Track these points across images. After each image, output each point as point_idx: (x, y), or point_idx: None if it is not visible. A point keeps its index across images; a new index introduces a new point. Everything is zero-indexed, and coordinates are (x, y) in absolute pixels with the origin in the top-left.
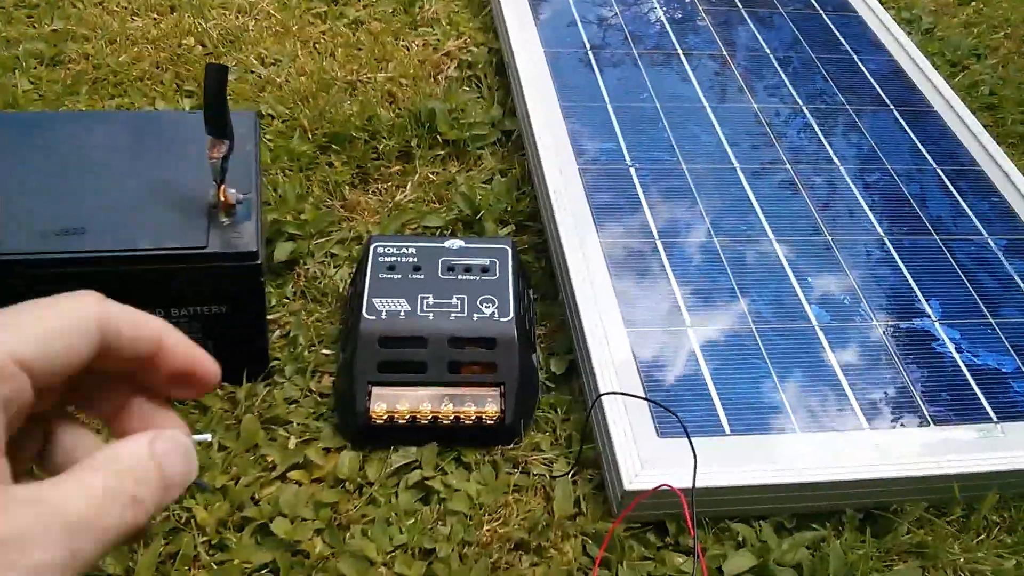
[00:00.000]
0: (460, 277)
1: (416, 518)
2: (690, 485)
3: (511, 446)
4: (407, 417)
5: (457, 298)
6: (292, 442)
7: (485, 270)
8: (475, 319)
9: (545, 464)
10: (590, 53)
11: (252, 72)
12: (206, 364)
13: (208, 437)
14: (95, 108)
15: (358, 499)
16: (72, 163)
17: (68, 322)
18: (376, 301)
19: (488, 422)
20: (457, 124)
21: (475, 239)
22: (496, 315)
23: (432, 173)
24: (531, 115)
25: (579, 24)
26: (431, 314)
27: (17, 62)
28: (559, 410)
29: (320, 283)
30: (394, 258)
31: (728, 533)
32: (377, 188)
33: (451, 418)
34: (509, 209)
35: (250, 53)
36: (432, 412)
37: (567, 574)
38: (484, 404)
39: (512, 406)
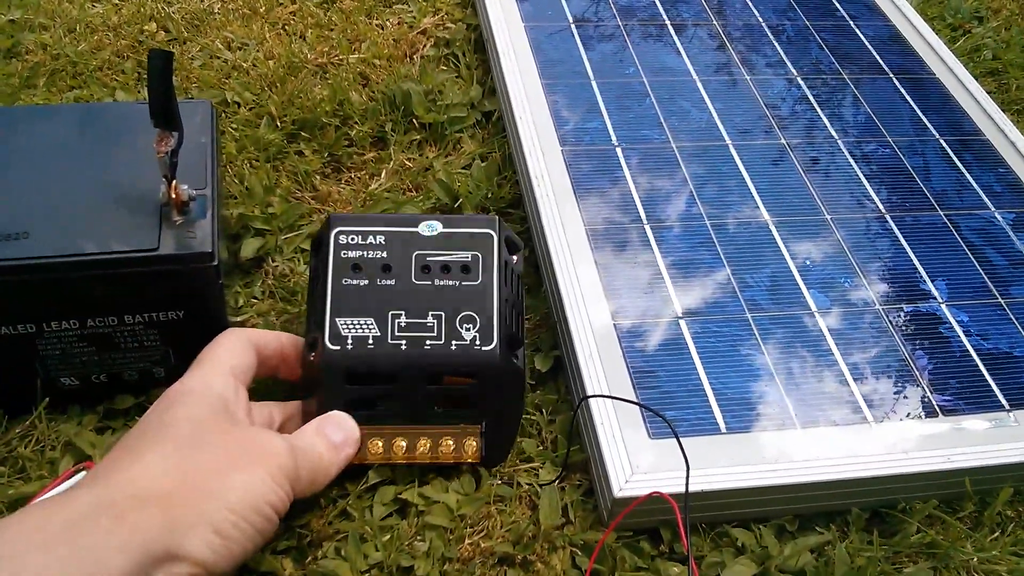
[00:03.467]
0: (437, 282)
1: (392, 533)
2: (683, 490)
3: None
4: (381, 459)
5: (433, 316)
6: None
7: (466, 269)
8: (454, 347)
9: (530, 472)
10: (573, 27)
11: (218, 57)
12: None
13: None
14: (53, 101)
15: (331, 512)
16: (12, 163)
17: (239, 341)
18: (340, 324)
19: (468, 461)
20: (434, 106)
21: (456, 220)
22: (478, 342)
23: (408, 159)
24: (511, 94)
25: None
26: (404, 342)
27: None
28: (544, 411)
29: (290, 281)
30: (359, 252)
31: (726, 539)
32: (350, 177)
33: (428, 458)
34: (490, 196)
35: (216, 37)
36: (407, 455)
37: None
38: (464, 443)
39: (494, 442)
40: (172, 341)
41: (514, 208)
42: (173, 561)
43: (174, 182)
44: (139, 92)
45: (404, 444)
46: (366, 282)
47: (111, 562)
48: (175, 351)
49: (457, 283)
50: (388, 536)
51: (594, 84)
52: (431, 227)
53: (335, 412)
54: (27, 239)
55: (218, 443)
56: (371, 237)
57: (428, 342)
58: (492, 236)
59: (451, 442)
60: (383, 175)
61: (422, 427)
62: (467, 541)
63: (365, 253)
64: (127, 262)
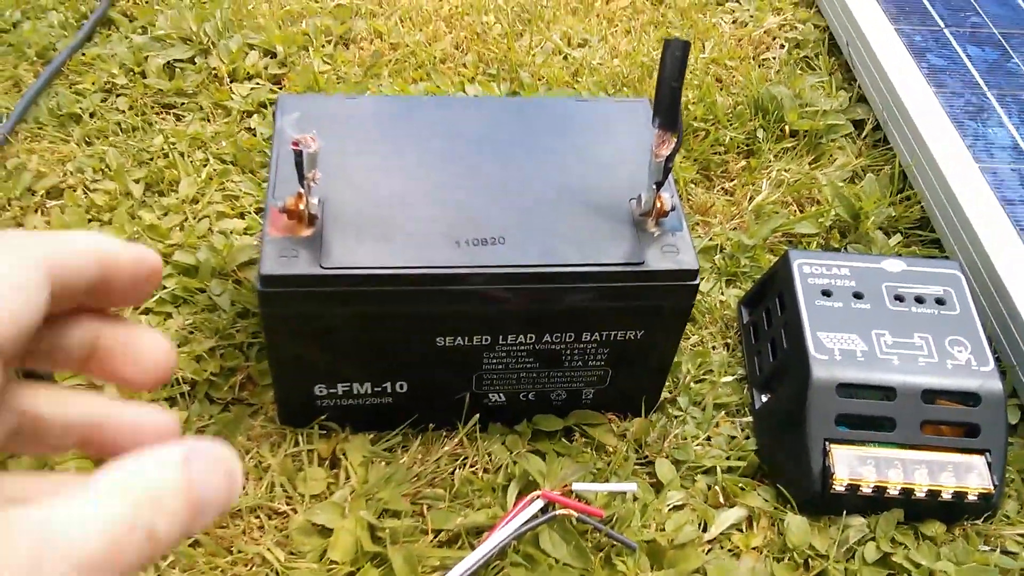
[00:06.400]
0: (914, 309)
1: None
2: None
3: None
4: (872, 486)
5: (920, 337)
6: (718, 495)
7: (941, 302)
8: (949, 367)
9: (1020, 540)
10: (947, 32)
11: (560, 54)
12: (145, 253)
13: (634, 487)
14: (406, 92)
15: (806, 575)
16: (466, 156)
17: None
18: (823, 337)
19: (970, 499)
20: (807, 113)
21: (915, 260)
22: (974, 363)
23: (784, 170)
24: (906, 104)
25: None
26: (894, 357)
27: (308, 39)
28: (1013, 467)
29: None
30: (826, 280)
31: None
32: (723, 187)
33: (924, 491)
34: (894, 215)
35: (554, 31)
36: (904, 483)
37: None
38: (967, 476)
39: (1000, 479)
40: (617, 362)
41: (921, 230)
42: None
43: (658, 194)
44: (493, 89)
45: (901, 474)
46: (840, 304)
47: None
48: (615, 373)
49: (936, 312)
50: None
51: (988, 93)
52: (894, 265)
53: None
54: (503, 245)
55: None
56: (834, 267)
57: (921, 360)
58: (959, 276)
59: (953, 475)
60: (764, 186)
61: (918, 453)
62: None
63: (832, 281)
64: (612, 276)
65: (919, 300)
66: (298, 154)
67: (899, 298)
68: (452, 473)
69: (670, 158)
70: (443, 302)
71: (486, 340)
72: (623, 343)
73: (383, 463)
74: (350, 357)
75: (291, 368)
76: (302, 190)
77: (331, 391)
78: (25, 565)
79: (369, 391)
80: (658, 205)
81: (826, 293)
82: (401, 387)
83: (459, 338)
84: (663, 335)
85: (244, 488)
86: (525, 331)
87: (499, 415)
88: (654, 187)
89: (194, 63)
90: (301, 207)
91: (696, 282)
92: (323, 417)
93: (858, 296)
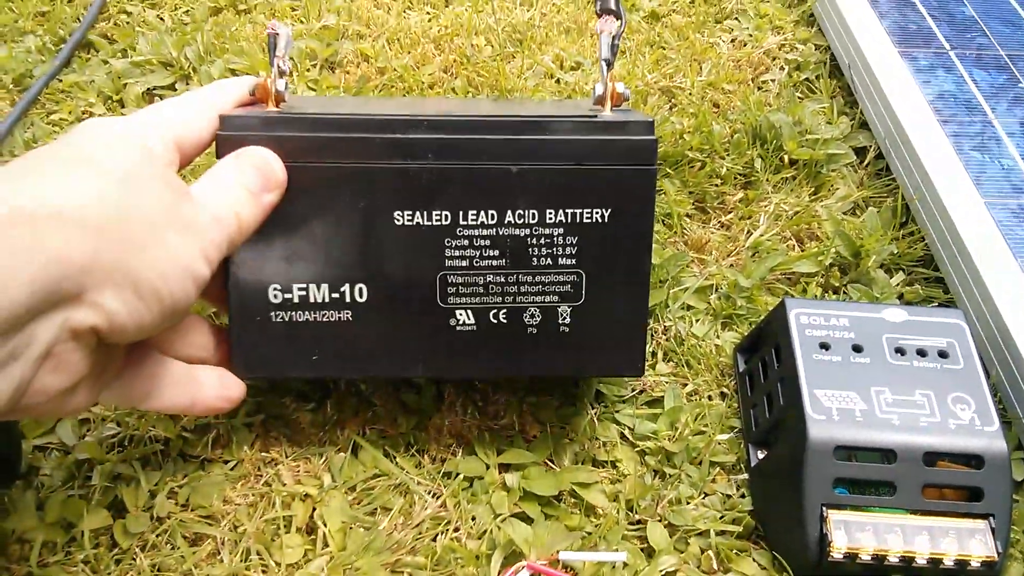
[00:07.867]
0: (915, 364)
1: None
2: None
3: None
4: (871, 554)
5: (921, 394)
6: (712, 561)
7: (944, 355)
8: (952, 427)
9: None
10: (952, 54)
11: (552, 78)
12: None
13: (623, 556)
14: None
15: None
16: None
17: (199, 109)
18: (821, 395)
19: (973, 566)
20: (806, 141)
21: (917, 309)
22: (977, 422)
23: (783, 202)
24: (908, 132)
25: (930, 21)
26: (894, 416)
27: (292, 63)
28: (1018, 527)
29: (684, 344)
30: (824, 332)
31: None
32: (720, 221)
33: (926, 559)
34: (896, 252)
35: (546, 54)
36: (904, 551)
37: None
38: (969, 543)
39: (1004, 546)
40: (587, 260)
41: (924, 267)
42: (77, 304)
43: (610, 74)
44: None
45: (900, 541)
46: (839, 359)
47: (14, 286)
48: (589, 281)
49: (938, 366)
50: None
51: (996, 122)
52: (896, 315)
53: (250, 149)
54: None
55: (156, 192)
56: (833, 317)
57: (922, 419)
58: (963, 327)
59: (955, 542)
60: (762, 221)
61: (918, 519)
62: None
63: (830, 332)
64: (566, 127)
65: (921, 353)
66: (272, 36)
67: (900, 351)
68: (434, 539)
69: (617, 36)
70: (396, 154)
71: (446, 218)
72: (590, 229)
73: (362, 528)
74: (304, 237)
75: (246, 259)
76: (272, 72)
77: (287, 297)
78: (220, 231)
79: (327, 298)
80: (610, 87)
81: (824, 346)
82: (360, 293)
83: (417, 213)
84: (632, 214)
85: (220, 556)
86: (485, 206)
87: (470, 349)
88: (604, 65)
89: (175, 89)
90: (269, 83)
91: (654, 136)
92: (282, 357)
93: (857, 349)
